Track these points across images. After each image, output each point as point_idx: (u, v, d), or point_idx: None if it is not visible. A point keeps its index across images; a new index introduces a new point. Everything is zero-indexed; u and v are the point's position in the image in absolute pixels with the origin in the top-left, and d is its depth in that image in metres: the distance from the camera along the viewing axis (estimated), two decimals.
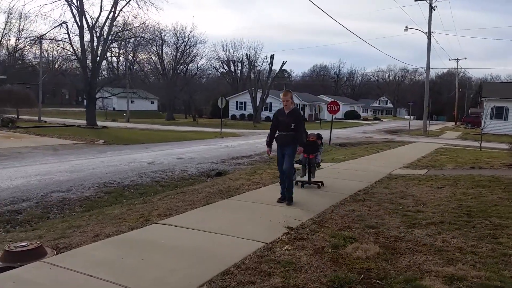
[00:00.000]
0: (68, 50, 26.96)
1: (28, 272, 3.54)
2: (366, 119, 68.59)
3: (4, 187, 8.54)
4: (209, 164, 12.85)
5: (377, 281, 3.59)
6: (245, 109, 54.72)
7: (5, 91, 28.18)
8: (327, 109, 22.85)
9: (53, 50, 38.30)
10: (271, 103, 52.35)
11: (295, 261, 4.00)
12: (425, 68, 32.42)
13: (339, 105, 22.61)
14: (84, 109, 32.18)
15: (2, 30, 48.12)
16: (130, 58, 37.84)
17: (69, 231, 5.17)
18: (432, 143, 21.33)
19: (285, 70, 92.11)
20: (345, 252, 4.26)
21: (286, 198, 6.46)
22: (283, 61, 52.80)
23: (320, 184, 7.94)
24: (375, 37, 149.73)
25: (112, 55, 32.79)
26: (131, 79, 39.97)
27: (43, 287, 3.29)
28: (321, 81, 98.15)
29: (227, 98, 54.97)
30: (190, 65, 57.55)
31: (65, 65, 34.94)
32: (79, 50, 26.33)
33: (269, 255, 4.14)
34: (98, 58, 26.85)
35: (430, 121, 38.97)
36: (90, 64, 26.84)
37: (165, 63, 55.15)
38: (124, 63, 39.90)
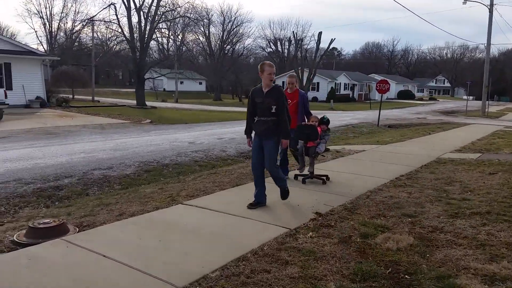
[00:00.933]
0: (117, 31, 27.69)
1: (45, 249, 3.58)
2: (421, 99, 65.37)
3: (49, 164, 8.91)
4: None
5: (406, 276, 3.26)
6: None
7: (61, 72, 29.67)
8: (376, 88, 21.83)
9: (106, 32, 39.60)
10: (318, 83, 51.21)
11: (317, 250, 3.74)
12: (485, 44, 29.96)
13: (389, 84, 21.51)
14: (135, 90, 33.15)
15: (60, 14, 50.47)
16: (179, 39, 38.28)
17: (97, 209, 5.23)
18: (490, 125, 19.80)
19: (335, 48, 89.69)
20: (374, 242, 3.94)
21: (281, 192, 5.24)
22: (332, 39, 51.07)
23: (324, 178, 6.49)
24: (431, 12, 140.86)
25: (162, 35, 33.36)
26: (180, 60, 40.56)
27: (55, 265, 3.28)
28: (373, 59, 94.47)
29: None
30: (236, 45, 57.42)
31: (117, 47, 36.08)
32: (128, 31, 26.99)
33: (290, 242, 3.91)
34: (146, 38, 27.34)
35: (491, 101, 36.28)
36: (138, 45, 27.41)
37: (212, 43, 55.42)
38: (173, 44, 40.51)
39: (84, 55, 48.35)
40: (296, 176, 6.69)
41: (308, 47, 56.04)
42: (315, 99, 50.89)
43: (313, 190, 5.96)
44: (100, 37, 36.89)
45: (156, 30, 28.69)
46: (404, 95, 64.57)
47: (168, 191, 6.14)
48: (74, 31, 51.95)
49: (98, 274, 3.16)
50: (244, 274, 3.23)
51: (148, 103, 29.34)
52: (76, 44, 57.24)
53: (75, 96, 30.74)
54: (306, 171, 6.66)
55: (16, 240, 3.89)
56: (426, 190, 6.03)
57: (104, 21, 27.55)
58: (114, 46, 36.08)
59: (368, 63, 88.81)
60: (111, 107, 25.88)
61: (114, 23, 27.04)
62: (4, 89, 17.21)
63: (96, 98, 31.71)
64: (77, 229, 4.22)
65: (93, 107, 24.61)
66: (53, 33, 55.90)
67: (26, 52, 23.23)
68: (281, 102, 4.85)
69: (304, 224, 4.45)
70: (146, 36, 27.08)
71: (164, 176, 8.54)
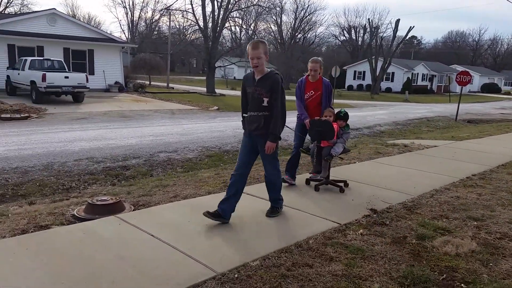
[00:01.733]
0: (192, 20, 28.56)
1: (99, 225, 3.78)
2: (508, 93, 59.61)
3: (120, 145, 9.47)
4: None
5: (462, 284, 2.96)
6: (363, 79, 52.11)
7: (139, 59, 31.39)
8: (456, 80, 20.27)
9: (183, 21, 41.08)
10: (393, 73, 48.84)
11: (366, 248, 3.53)
12: None
13: (471, 76, 19.85)
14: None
15: (141, 3, 53.25)
16: (251, 28, 38.58)
17: (155, 190, 5.44)
18: None
19: (414, 37, 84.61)
20: (431, 245, 3.63)
21: (270, 208, 4.31)
22: (410, 27, 48.02)
23: (342, 185, 5.33)
24: None
25: (235, 24, 33.86)
26: None
27: (106, 241, 3.46)
28: (456, 49, 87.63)
29: (345, 68, 52.91)
30: (308, 33, 56.53)
31: (192, 36, 37.30)
32: (202, 20, 27.72)
33: (338, 238, 3.74)
34: (218, 27, 27.90)
35: None
36: (211, 33, 28.06)
37: (283, 32, 55.11)
38: (244, 33, 40.95)
39: (162, 43, 50.71)
40: (308, 181, 5.60)
41: (384, 35, 53.53)
42: (388, 89, 48.64)
43: (370, 185, 5.66)
44: (177, 26, 38.40)
45: (229, 19, 29.14)
46: (489, 88, 59.36)
47: (223, 177, 6.21)
48: (153, 20, 54.59)
49: (143, 253, 3.26)
50: (285, 266, 3.14)
51: (217, 91, 30.04)
52: (155, 33, 60.22)
53: (152, 83, 32.38)
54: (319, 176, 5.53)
55: (76, 214, 4.17)
56: (499, 192, 5.45)
57: (180, 10, 28.53)
58: (189, 35, 37.37)
59: (450, 53, 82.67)
60: (182, 94, 26.90)
61: (189, 12, 27.93)
62: (86, 73, 18.59)
63: (170, 85, 33.13)
64: (133, 208, 4.41)
65: (166, 93, 25.75)
66: (134, 22, 59.30)
67: (108, 40, 24.87)
68: (275, 94, 3.80)
69: (356, 220, 4.23)
70: (219, 25, 27.61)
71: (224, 162, 8.67)
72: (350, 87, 52.08)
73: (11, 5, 49.06)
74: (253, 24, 37.99)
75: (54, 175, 6.86)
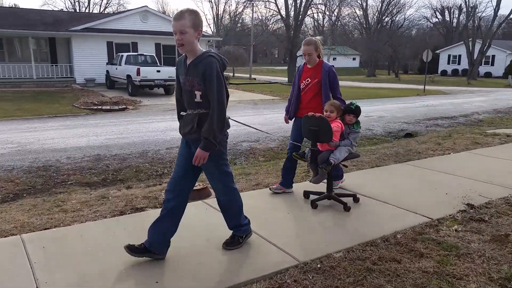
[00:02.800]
0: (274, 10, 28.63)
1: (187, 209, 3.97)
2: None
3: None
4: (399, 124, 11.86)
5: None
6: (458, 64, 48.03)
7: (223, 52, 32.39)
8: None
9: (265, 12, 41.45)
10: (493, 56, 44.32)
11: (461, 245, 3.26)
12: None
13: None
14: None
15: None
16: (335, 14, 37.62)
17: (238, 177, 5.58)
18: None
19: None
20: None
21: (230, 237, 3.30)
22: None
23: (346, 204, 4.09)
24: None
25: (317, 11, 33.29)
26: (333, 36, 39.93)
27: (193, 225, 3.64)
28: None
29: (438, 52, 49.20)
30: (396, 16, 53.49)
31: (274, 26, 37.50)
32: (284, 9, 27.68)
33: (430, 233, 3.50)
34: (300, 15, 27.63)
35: None
36: (293, 22, 27.92)
37: (369, 16, 52.81)
38: (327, 20, 40.06)
39: (245, 35, 51.68)
40: (307, 194, 4.44)
41: (483, 15, 48.65)
42: (488, 74, 44.32)
43: (466, 178, 5.20)
44: (260, 17, 38.80)
45: (311, 6, 28.72)
46: None
47: (304, 167, 6.16)
48: (237, 12, 55.82)
49: (223, 234, 3.38)
50: (370, 260, 3.02)
51: None
52: (238, 25, 61.57)
53: (235, 74, 33.27)
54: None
55: None
56: None
57: (263, 0, 28.77)
58: (271, 25, 37.58)
59: None
60: (264, 84, 27.22)
61: (271, 2, 28.05)
62: (176, 67, 19.65)
63: (252, 76, 33.76)
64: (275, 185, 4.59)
65: (249, 84, 26.28)
66: (219, 16, 61.18)
67: None
68: (209, 84, 2.72)
69: (450, 215, 3.92)
70: (301, 13, 27.34)
71: None
72: (444, 72, 48.38)
73: (109, 5, 53.61)
74: (336, 10, 36.98)
75: (149, 162, 7.37)
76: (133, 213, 4.04)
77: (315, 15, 37.62)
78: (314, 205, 4.13)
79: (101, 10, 51.02)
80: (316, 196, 4.26)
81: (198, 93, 2.80)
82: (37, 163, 6.97)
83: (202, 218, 3.83)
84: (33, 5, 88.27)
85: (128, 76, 18.20)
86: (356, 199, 4.28)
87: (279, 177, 5.46)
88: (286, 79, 29.36)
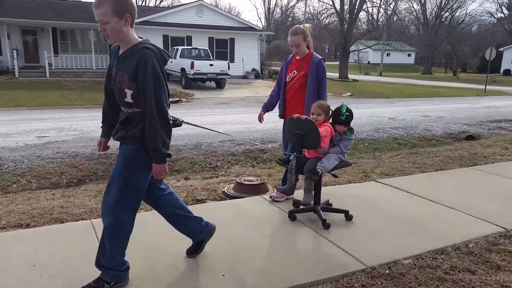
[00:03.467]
0: (328, 3, 28.12)
1: (247, 203, 4.01)
2: None
3: (258, 129, 9.90)
4: (459, 125, 11.25)
5: None
6: None
7: (274, 46, 32.31)
8: None
9: (318, 6, 40.84)
10: None
11: None
12: None
13: None
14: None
15: None
16: (391, 8, 36.34)
17: (264, 178, 5.52)
18: None
19: None
20: None
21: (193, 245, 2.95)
22: None
23: (324, 223, 3.54)
24: None
25: (372, 5, 32.35)
26: (388, 31, 38.62)
27: (254, 219, 3.63)
28: None
29: (501, 49, 46.20)
30: (457, 12, 50.78)
31: (326, 20, 36.88)
32: (339, 3, 27.12)
33: (505, 245, 3.26)
34: (355, 9, 26.95)
35: None
36: (347, 16, 27.29)
37: (427, 11, 50.54)
38: (383, 14, 38.80)
39: None
40: (291, 214, 3.75)
41: None
42: None
43: None
44: (311, 11, 38.28)
45: (367, 0, 27.95)
46: None
47: (362, 166, 5.99)
48: (288, 6, 55.46)
49: (290, 236, 3.34)
50: (442, 269, 2.87)
51: (351, 76, 29.24)
52: (289, 19, 61.17)
53: None
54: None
55: (226, 191, 4.49)
56: None
57: None
58: (324, 20, 36.97)
59: None
60: None
61: None
62: (228, 61, 19.89)
63: None
64: (275, 190, 4.55)
65: None
66: (271, 10, 61.08)
67: (248, 28, 26.10)
68: (143, 83, 2.25)
69: None
70: (356, 6, 26.65)
71: (359, 150, 8.39)
72: (507, 72, 45.40)
73: None
74: (392, 4, 35.67)
75: (202, 154, 7.49)
76: (195, 204, 4.11)
77: (369, 9, 36.51)
78: (292, 216, 3.67)
79: (156, 4, 52.57)
80: (292, 208, 3.83)
81: (128, 92, 2.30)
82: (98, 151, 7.28)
83: (263, 213, 3.81)
84: None
85: (182, 69, 18.63)
86: (348, 217, 3.71)
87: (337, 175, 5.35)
88: (337, 74, 28.80)
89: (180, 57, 19.58)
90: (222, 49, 25.01)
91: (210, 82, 19.26)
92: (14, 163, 6.30)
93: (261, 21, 61.23)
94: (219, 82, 19.03)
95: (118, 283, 2.53)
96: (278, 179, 5.27)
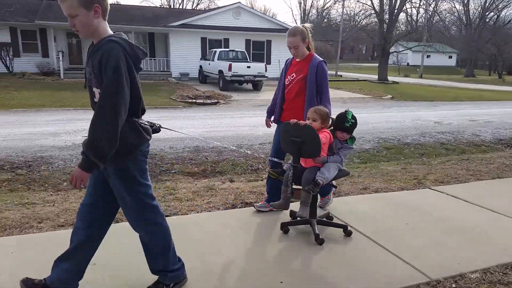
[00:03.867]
0: (366, 4, 27.60)
1: (297, 207, 3.91)
2: None
3: None
4: (510, 131, 10.70)
5: None
6: None
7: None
8: None
9: (354, 7, 40.18)
10: None
11: None
12: None
13: None
14: (377, 64, 32.82)
15: None
16: (431, 8, 35.22)
17: (341, 179, 5.39)
18: None
19: None
20: None
21: (154, 284, 2.58)
22: None
23: (317, 238, 3.28)
24: None
25: (412, 6, 31.49)
26: (429, 32, 37.44)
27: (306, 227, 3.53)
28: None
29: None
30: (502, 11, 48.58)
31: (364, 21, 36.22)
32: (378, 4, 26.57)
33: None
34: (396, 10, 26.31)
35: None
36: (387, 17, 26.69)
37: (470, 11, 48.64)
38: (423, 15, 37.66)
39: (331, 30, 50.72)
40: (284, 226, 3.50)
41: None
42: None
43: None
44: (348, 12, 37.69)
45: (408, 1, 27.21)
46: None
47: (412, 172, 5.78)
48: (324, 8, 54.94)
49: (346, 243, 3.22)
50: None
51: (390, 78, 28.57)
52: (325, 20, 60.61)
53: None
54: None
55: None
56: None
57: None
58: (361, 20, 36.32)
59: None
60: (352, 82, 26.42)
61: None
62: (265, 63, 19.87)
63: (338, 73, 32.97)
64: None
65: (336, 81, 25.68)
66: (306, 11, 60.73)
67: (284, 30, 25.98)
68: (104, 78, 2.02)
69: None
70: (397, 7, 26.01)
71: (405, 155, 8.12)
72: None
73: (201, 1, 55.93)
74: (433, 4, 34.53)
75: (243, 156, 7.48)
76: (244, 207, 4.07)
77: (409, 10, 35.50)
78: (285, 229, 3.43)
79: (193, 6, 53.46)
80: (285, 221, 3.54)
81: (96, 91, 2.10)
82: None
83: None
84: (133, 2, 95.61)
85: (220, 71, 18.78)
86: (347, 232, 3.39)
87: (387, 182, 5.19)
88: (376, 76, 28.20)
89: (218, 59, 19.75)
90: (259, 51, 25.05)
91: (247, 84, 19.31)
92: (64, 161, 6.51)
93: (296, 23, 60.93)
94: (256, 84, 19.04)
95: (178, 283, 2.50)
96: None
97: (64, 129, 9.22)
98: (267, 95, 17.80)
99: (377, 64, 29.68)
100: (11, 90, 15.68)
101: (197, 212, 3.85)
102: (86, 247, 2.33)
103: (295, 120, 3.16)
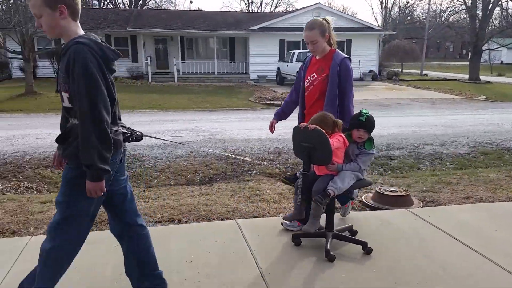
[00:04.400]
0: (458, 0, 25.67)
1: (393, 217, 3.67)
2: None
3: (382, 134, 9.36)
4: None
5: None
6: None
7: (393, 46, 30.64)
8: None
9: (441, 3, 37.74)
10: None
11: None
12: None
13: None
14: (467, 63, 30.38)
15: None
16: None
17: (437, 186, 5.00)
18: None
19: None
20: None
21: None
22: None
23: (328, 253, 2.91)
24: None
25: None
26: None
27: (404, 235, 3.30)
28: None
29: None
30: None
31: (452, 17, 33.83)
32: None
33: None
34: (490, 5, 24.14)
35: None
36: (480, 13, 24.59)
37: None
38: None
39: (416, 28, 48.08)
40: (296, 238, 3.16)
41: None
42: None
43: None
44: (434, 9, 35.45)
45: None
46: None
47: None
48: (408, 4, 52.29)
49: (449, 256, 2.95)
50: None
51: (481, 77, 26.27)
52: (408, 18, 57.67)
53: (403, 70, 31.19)
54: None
55: (364, 200, 4.21)
56: None
57: None
58: (449, 17, 33.93)
59: None
60: (439, 81, 24.74)
61: None
62: None
63: (423, 72, 31.10)
64: (421, 204, 4.14)
65: (421, 81, 24.24)
66: (388, 9, 58.27)
67: (365, 29, 25.17)
68: (75, 84, 1.93)
69: None
70: (492, 1, 23.85)
71: (505, 162, 7.35)
72: None
73: (279, 4, 56.35)
74: None
75: None
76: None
77: (504, 4, 32.25)
78: (296, 241, 3.11)
79: (271, 10, 54.05)
80: (294, 233, 3.19)
81: (65, 96, 2.01)
82: (225, 151, 7.58)
83: (414, 229, 3.45)
84: (213, 7, 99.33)
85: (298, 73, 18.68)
86: (367, 250, 2.98)
87: (492, 190, 4.70)
88: (466, 75, 26.11)
89: (296, 61, 19.67)
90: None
91: None
92: (154, 160, 6.87)
93: (377, 21, 58.70)
94: None
95: None
96: (420, 190, 4.80)
97: (153, 129, 9.78)
98: None
99: (465, 63, 27.55)
100: None
101: (285, 214, 3.79)
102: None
103: (305, 123, 2.87)
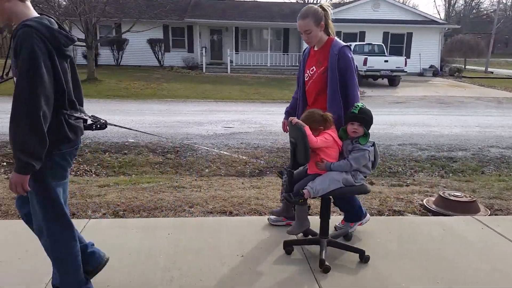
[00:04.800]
0: None
1: (457, 224, 3.40)
2: None
3: (443, 133, 8.86)
4: None
5: None
6: None
7: (456, 41, 28.87)
8: None
9: None
10: None
11: None
12: None
13: None
14: None
15: None
16: None
17: (506, 193, 4.60)
18: None
19: None
20: None
21: None
22: None
23: (322, 263, 2.59)
24: None
25: None
26: None
27: (470, 245, 3.03)
28: None
29: None
30: None
31: None
32: None
33: None
34: None
35: None
36: None
37: None
38: None
39: (482, 22, 45.03)
40: (287, 246, 2.88)
41: None
42: None
43: None
44: (504, 2, 32.96)
45: None
46: None
47: None
48: None
49: None
50: None
51: None
52: (473, 11, 54.19)
53: (467, 66, 29.36)
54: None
55: (425, 205, 3.95)
56: None
57: None
58: None
59: None
60: (507, 80, 23.02)
61: None
62: (405, 57, 18.52)
63: (489, 69, 29.08)
64: (488, 211, 3.81)
65: (486, 79, 22.68)
66: (452, 1, 55.03)
67: (428, 22, 23.90)
68: (23, 69, 1.77)
69: None
70: None
71: None
72: None
73: None
74: None
75: (380, 157, 7.00)
76: (391, 216, 3.72)
77: None
78: (287, 249, 2.84)
79: (327, 0, 52.84)
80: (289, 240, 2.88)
81: (16, 80, 1.85)
82: (276, 144, 7.50)
83: (480, 238, 3.17)
84: None
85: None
86: (364, 258, 2.71)
87: None
88: None
89: (353, 53, 19.10)
90: (398, 44, 23.48)
91: (383, 79, 18.27)
92: (206, 149, 6.93)
93: (439, 14, 55.61)
94: (393, 79, 17.88)
95: None
96: (487, 197, 4.44)
97: (206, 119, 9.89)
98: (405, 91, 16.60)
99: None
100: (162, 81, 17.53)
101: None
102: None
103: (293, 118, 2.64)
